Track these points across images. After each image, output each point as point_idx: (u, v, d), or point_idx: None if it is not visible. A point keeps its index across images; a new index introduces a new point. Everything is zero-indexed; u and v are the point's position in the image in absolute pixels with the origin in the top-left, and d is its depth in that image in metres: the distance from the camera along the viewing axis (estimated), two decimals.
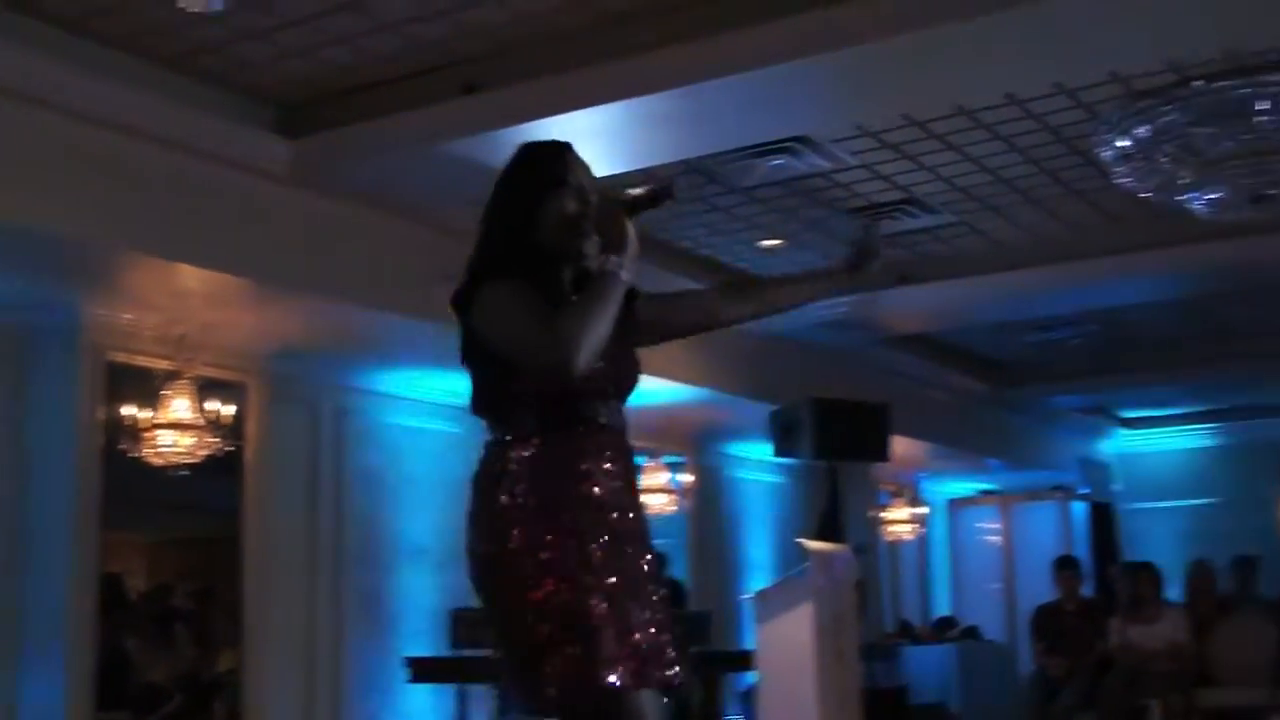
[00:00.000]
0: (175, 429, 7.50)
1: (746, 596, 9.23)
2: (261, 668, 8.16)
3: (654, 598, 2.93)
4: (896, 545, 14.29)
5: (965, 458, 14.36)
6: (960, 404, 13.61)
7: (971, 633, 13.85)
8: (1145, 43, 6.10)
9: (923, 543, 14.89)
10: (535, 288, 2.91)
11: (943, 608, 15.13)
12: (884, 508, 13.95)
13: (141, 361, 7.59)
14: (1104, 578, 12.61)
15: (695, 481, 11.73)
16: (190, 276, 7.02)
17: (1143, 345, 12.91)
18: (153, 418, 7.49)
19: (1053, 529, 15.16)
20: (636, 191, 2.98)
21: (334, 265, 7.51)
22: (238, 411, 7.96)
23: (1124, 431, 16.66)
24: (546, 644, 2.79)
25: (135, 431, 7.48)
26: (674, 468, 11.34)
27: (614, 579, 2.86)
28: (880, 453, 9.97)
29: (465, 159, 6.79)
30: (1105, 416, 16.14)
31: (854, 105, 6.88)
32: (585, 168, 3.05)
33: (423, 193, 7.43)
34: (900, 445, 10.88)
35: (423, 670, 8.32)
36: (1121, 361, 13.24)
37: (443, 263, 7.57)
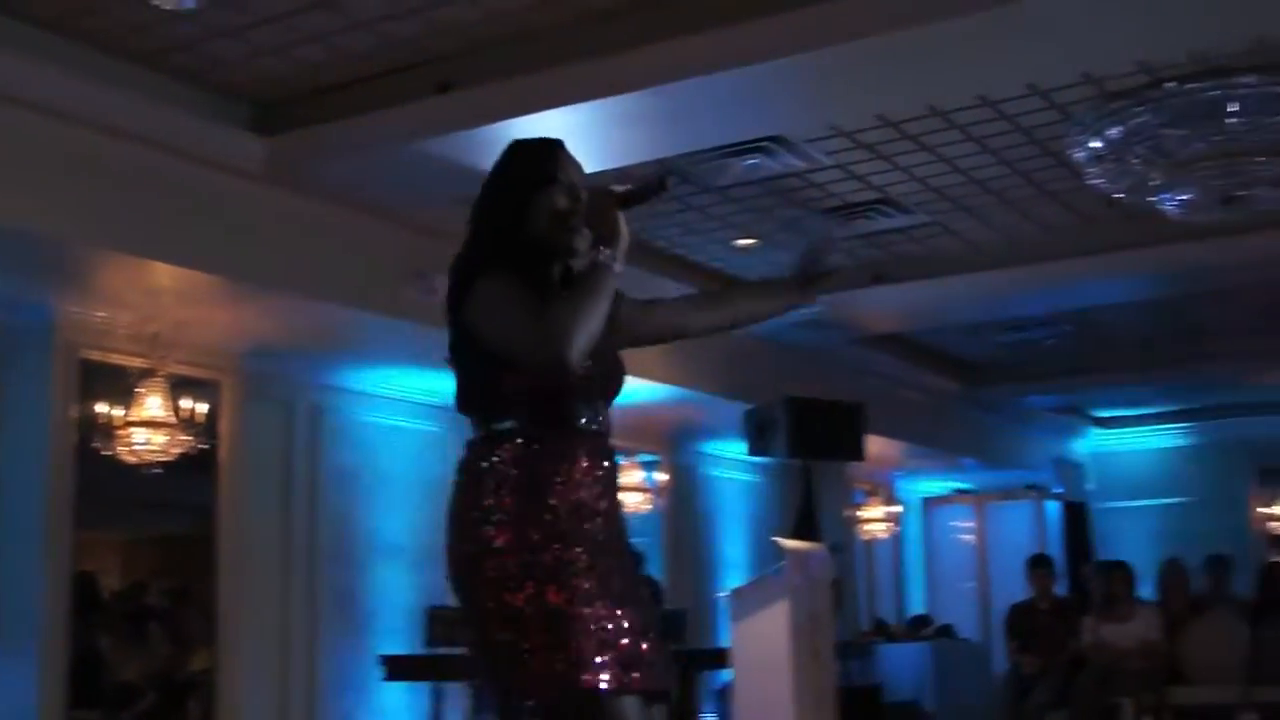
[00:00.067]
0: (149, 427, 7.48)
1: (722, 595, 9.26)
2: (236, 666, 8.15)
3: (636, 601, 2.92)
4: (872, 544, 14.33)
5: (940, 457, 14.41)
6: (935, 403, 13.65)
7: (946, 631, 13.90)
8: (1117, 44, 6.13)
9: (897, 541, 14.94)
10: (527, 284, 2.90)
11: (917, 606, 15.18)
12: (859, 506, 14.00)
13: (115, 359, 7.57)
14: (1077, 577, 12.69)
15: (670, 480, 11.74)
16: (164, 274, 7.01)
17: (1116, 345, 12.97)
18: (126, 416, 7.47)
19: (1027, 528, 15.21)
20: (629, 185, 2.99)
21: (308, 263, 7.50)
22: (211, 409, 7.95)
23: (1097, 431, 16.74)
24: (527, 646, 2.78)
25: (109, 429, 7.46)
26: (649, 466, 11.36)
27: (596, 582, 2.84)
28: (855, 452, 10.00)
29: (439, 157, 6.80)
30: (1079, 416, 16.21)
31: (828, 105, 6.89)
32: (576, 165, 3.05)
33: (397, 191, 7.43)
34: (875, 444, 10.93)
35: (398, 669, 8.30)
36: (1095, 361, 13.30)
37: (416, 261, 7.69)
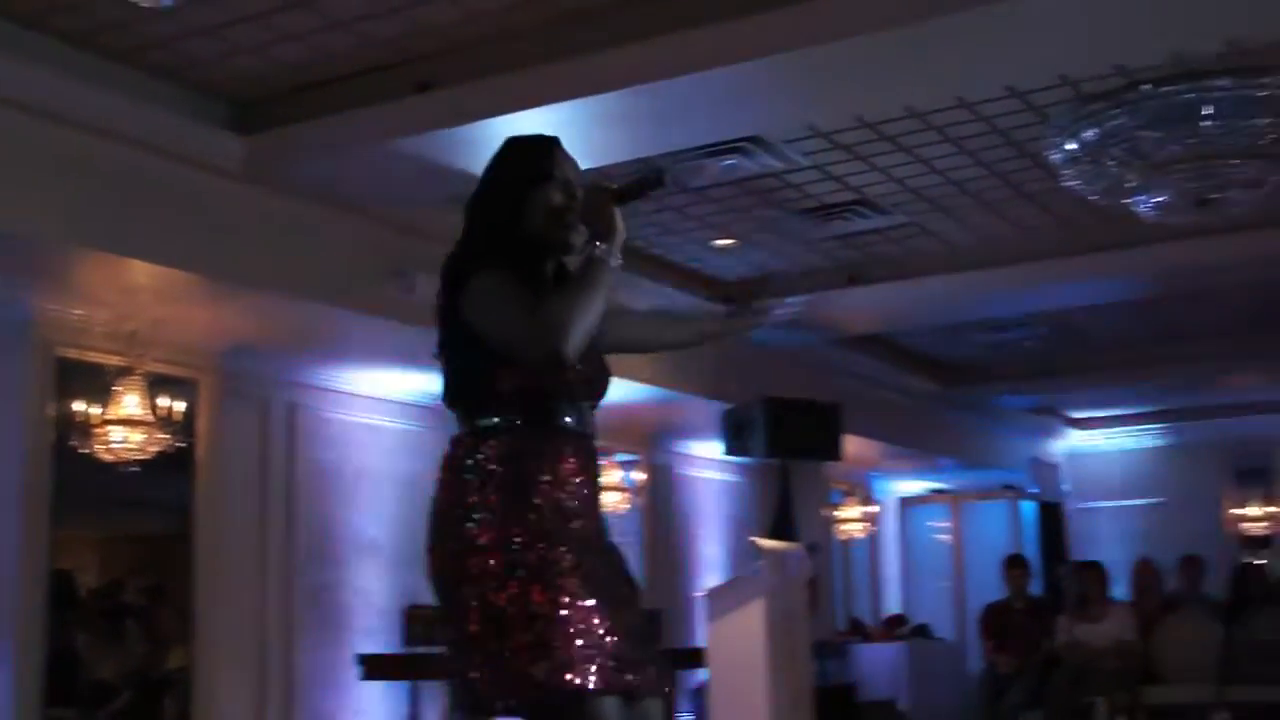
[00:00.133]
0: (126, 425, 7.46)
1: (698, 594, 9.27)
2: (212, 665, 8.13)
3: (622, 601, 2.92)
4: (848, 543, 14.37)
5: (916, 457, 14.45)
6: (911, 404, 13.69)
7: (922, 631, 13.94)
8: (1093, 47, 6.16)
9: (874, 541, 14.98)
10: (522, 280, 2.91)
11: (894, 606, 15.21)
12: (836, 506, 14.03)
13: (92, 357, 7.54)
14: (1052, 576, 12.72)
15: (648, 479, 11.75)
16: (141, 272, 6.98)
17: (1092, 346, 13.02)
18: (103, 414, 7.44)
19: (1002, 528, 15.27)
20: (625, 181, 3.01)
21: (286, 262, 7.48)
22: (189, 408, 7.93)
23: (1073, 431, 16.80)
24: (510, 646, 2.77)
25: (86, 428, 7.43)
26: (627, 465, 11.37)
27: (580, 582, 2.83)
28: (832, 451, 10.04)
29: (418, 157, 6.80)
30: (1055, 417, 16.26)
31: (806, 106, 6.91)
32: (572, 161, 3.06)
33: (375, 190, 7.42)
34: (852, 444, 10.97)
35: (375, 667, 8.29)
36: (1071, 362, 13.35)
37: (396, 260, 7.69)
